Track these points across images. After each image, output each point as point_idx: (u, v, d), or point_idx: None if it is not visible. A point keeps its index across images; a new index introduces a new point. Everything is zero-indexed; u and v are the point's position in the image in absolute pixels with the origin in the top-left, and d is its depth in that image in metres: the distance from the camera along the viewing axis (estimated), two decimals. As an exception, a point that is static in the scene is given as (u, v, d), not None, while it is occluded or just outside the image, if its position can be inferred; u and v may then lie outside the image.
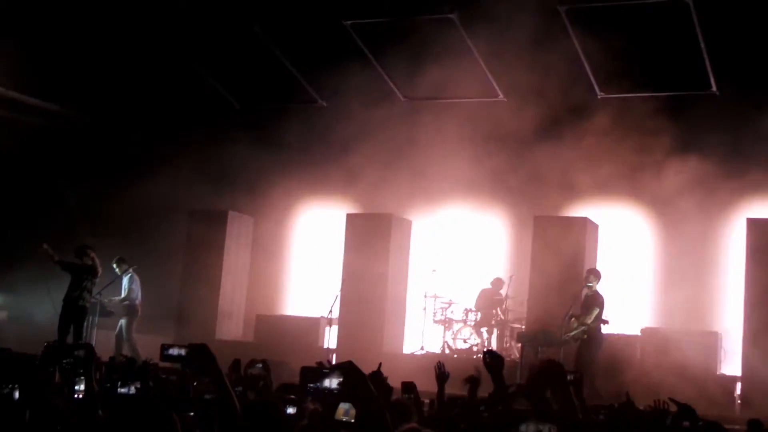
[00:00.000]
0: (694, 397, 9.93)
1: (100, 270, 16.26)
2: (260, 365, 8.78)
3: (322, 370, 5.39)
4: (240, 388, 7.58)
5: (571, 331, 14.97)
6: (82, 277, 16.03)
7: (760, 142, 16.25)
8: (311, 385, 5.19)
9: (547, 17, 16.49)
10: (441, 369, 7.63)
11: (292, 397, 6.70)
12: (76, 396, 6.60)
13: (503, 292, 17.85)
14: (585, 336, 14.93)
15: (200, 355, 4.76)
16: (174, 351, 5.06)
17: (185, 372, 7.30)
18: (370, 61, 18.80)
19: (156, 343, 16.80)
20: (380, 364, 7.35)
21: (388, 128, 18.18)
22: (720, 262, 17.18)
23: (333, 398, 5.09)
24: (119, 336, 17.33)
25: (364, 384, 4.54)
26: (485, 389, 7.53)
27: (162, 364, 7.97)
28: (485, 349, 5.70)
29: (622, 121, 16.62)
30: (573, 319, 15.04)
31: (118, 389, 6.72)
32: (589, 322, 14.99)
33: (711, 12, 16.01)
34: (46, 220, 19.81)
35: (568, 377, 6.17)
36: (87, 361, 6.40)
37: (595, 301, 15.16)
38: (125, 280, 17.46)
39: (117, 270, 17.44)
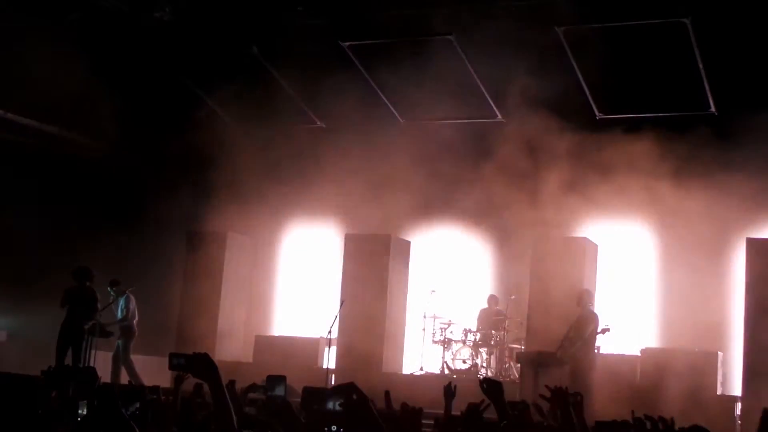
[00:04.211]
0: (694, 418, 9.89)
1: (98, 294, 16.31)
2: (262, 389, 8.55)
3: (324, 391, 5.39)
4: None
5: (568, 351, 14.98)
6: (80, 300, 16.00)
7: (760, 162, 16.25)
8: (315, 406, 5.20)
9: (545, 38, 16.52)
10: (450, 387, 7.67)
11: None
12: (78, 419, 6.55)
13: (501, 308, 17.88)
14: (580, 354, 14.96)
15: (201, 363, 4.76)
16: (177, 360, 5.11)
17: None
18: (368, 82, 18.83)
19: (156, 364, 16.87)
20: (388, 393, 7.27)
21: (386, 149, 18.18)
22: (720, 282, 17.13)
23: (336, 420, 5.09)
24: (116, 357, 17.23)
25: (366, 406, 4.52)
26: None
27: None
28: (482, 378, 5.68)
29: (620, 141, 16.61)
30: (569, 340, 15.05)
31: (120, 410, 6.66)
32: (584, 338, 15.04)
33: (709, 32, 16.03)
34: (48, 242, 19.76)
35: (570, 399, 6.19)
36: (90, 384, 6.37)
37: (589, 320, 15.16)
38: (121, 301, 17.35)
39: (112, 293, 17.29)
